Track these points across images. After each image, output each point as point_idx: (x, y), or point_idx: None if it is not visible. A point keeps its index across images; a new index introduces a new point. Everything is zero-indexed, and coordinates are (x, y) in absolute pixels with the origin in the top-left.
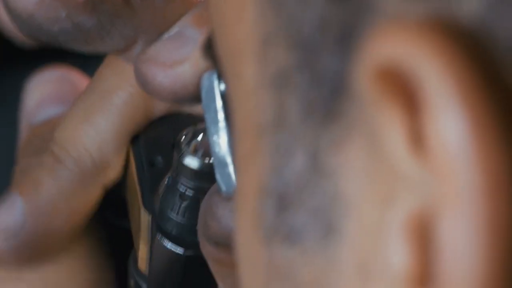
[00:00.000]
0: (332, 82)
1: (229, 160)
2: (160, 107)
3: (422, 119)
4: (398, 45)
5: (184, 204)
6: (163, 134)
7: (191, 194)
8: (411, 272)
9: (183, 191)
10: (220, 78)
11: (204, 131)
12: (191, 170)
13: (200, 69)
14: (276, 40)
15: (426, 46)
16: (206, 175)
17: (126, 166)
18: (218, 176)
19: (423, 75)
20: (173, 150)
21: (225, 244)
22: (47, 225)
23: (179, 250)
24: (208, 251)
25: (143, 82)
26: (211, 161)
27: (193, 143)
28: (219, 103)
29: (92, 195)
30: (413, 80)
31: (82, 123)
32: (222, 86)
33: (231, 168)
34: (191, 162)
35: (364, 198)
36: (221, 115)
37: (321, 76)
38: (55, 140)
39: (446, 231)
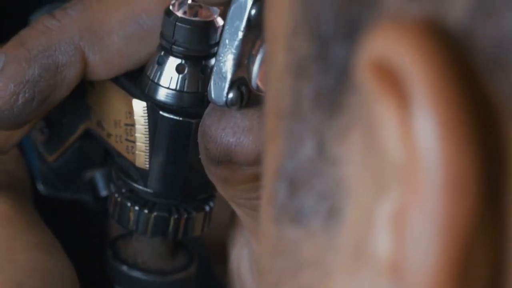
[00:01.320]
0: (339, 72)
1: (229, 76)
2: None
3: (409, 114)
4: (390, 43)
5: (181, 73)
6: None
7: (189, 62)
8: (390, 260)
9: (181, 62)
10: (255, 2)
11: None
12: (191, 29)
13: None
14: (301, 30)
15: (411, 48)
16: (206, 35)
17: None
18: (211, 83)
19: (407, 74)
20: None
21: (227, 161)
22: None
23: (188, 119)
24: (213, 174)
25: None
26: (207, 20)
27: (183, 7)
28: (243, 23)
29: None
30: (400, 76)
31: None
32: (253, 11)
33: (227, 85)
34: (190, 21)
35: (361, 186)
36: (240, 35)
37: (331, 66)
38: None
39: (410, 226)
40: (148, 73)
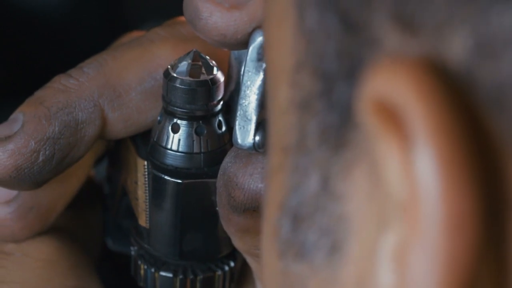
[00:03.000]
0: (343, 111)
1: (254, 118)
2: None
3: (410, 152)
4: (389, 81)
5: (177, 134)
6: None
7: (183, 123)
8: None
9: (175, 121)
10: None
11: (194, 57)
12: (182, 89)
13: (255, 20)
14: (305, 67)
15: (411, 87)
16: (197, 95)
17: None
18: (236, 128)
19: (407, 112)
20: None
21: (253, 208)
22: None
23: (177, 179)
24: (235, 223)
25: (195, 17)
26: (201, 79)
27: (182, 64)
28: (263, 63)
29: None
30: (401, 114)
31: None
32: None
33: (252, 126)
34: (182, 81)
35: (364, 221)
36: (261, 76)
37: (335, 104)
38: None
39: (411, 263)
40: (152, 132)
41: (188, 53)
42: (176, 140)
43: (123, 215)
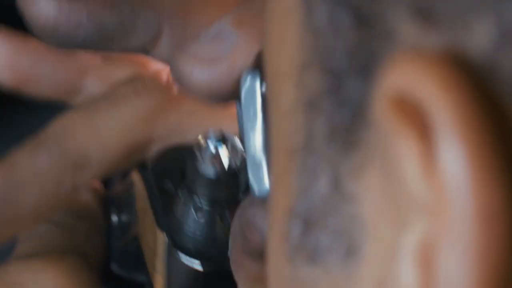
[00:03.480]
0: (353, 108)
1: (263, 162)
2: (160, 132)
3: (433, 148)
4: (410, 76)
5: (200, 218)
6: (171, 161)
7: (207, 208)
8: None
9: (199, 205)
10: (262, 79)
11: (220, 139)
12: (208, 180)
13: (237, 69)
14: (312, 66)
15: (434, 79)
16: (222, 185)
17: (130, 194)
18: (251, 178)
19: (431, 106)
20: (186, 164)
21: None
22: (14, 202)
23: (197, 265)
24: (246, 269)
25: (179, 77)
26: (227, 170)
27: (208, 152)
28: (259, 104)
29: (63, 187)
30: (423, 110)
31: (81, 118)
32: (264, 88)
33: (264, 170)
34: (208, 170)
35: (381, 222)
36: (259, 116)
37: (345, 102)
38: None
39: (441, 260)
40: (173, 205)
41: (214, 131)
42: (199, 224)
43: (131, 245)
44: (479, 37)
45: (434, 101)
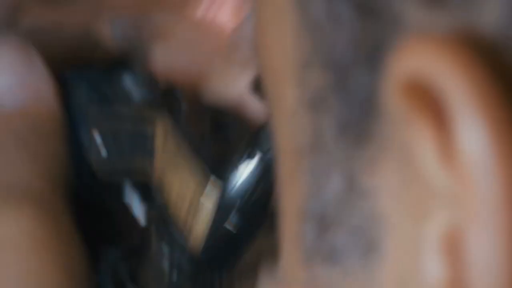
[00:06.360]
0: (363, 100)
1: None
2: None
3: (450, 132)
4: (422, 60)
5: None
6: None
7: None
8: (445, 284)
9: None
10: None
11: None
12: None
13: None
14: (313, 62)
15: (448, 60)
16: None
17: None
18: None
19: (446, 88)
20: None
21: None
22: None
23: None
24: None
25: None
26: None
27: None
28: None
29: None
30: (438, 93)
31: None
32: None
33: None
34: None
35: (400, 215)
36: None
37: (353, 95)
38: None
39: (471, 245)
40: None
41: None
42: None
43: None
44: (489, 14)
45: (449, 82)
